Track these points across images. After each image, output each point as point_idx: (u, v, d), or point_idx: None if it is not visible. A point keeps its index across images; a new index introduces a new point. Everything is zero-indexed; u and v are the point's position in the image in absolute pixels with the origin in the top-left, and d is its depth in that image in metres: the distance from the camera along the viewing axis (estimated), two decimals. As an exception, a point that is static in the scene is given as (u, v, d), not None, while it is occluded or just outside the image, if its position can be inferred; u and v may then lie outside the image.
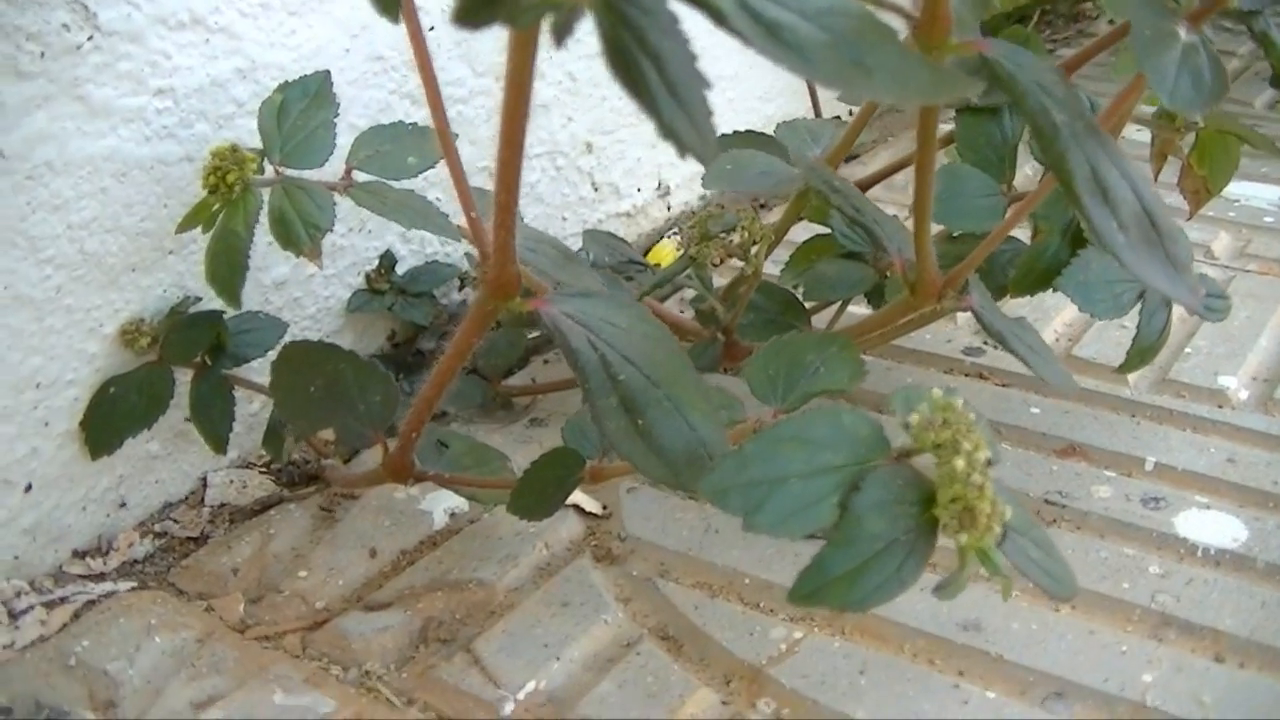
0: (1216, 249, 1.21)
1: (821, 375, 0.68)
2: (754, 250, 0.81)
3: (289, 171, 0.80)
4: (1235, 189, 1.29)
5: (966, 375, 0.99)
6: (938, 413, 0.58)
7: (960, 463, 0.55)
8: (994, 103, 0.90)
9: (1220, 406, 0.95)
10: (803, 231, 0.94)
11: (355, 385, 0.77)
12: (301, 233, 0.76)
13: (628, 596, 0.78)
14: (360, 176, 0.81)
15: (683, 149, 0.47)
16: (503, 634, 0.75)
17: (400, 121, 0.86)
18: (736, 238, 0.81)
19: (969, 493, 0.55)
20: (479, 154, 1.06)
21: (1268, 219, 1.28)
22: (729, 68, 1.32)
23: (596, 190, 1.19)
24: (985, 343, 1.03)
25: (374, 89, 0.97)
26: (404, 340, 1.05)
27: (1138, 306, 0.82)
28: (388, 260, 1.01)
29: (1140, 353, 0.81)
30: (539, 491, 0.73)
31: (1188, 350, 1.02)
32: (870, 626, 0.74)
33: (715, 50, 1.25)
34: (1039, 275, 0.81)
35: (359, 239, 0.99)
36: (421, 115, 1.01)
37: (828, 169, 0.75)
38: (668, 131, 0.47)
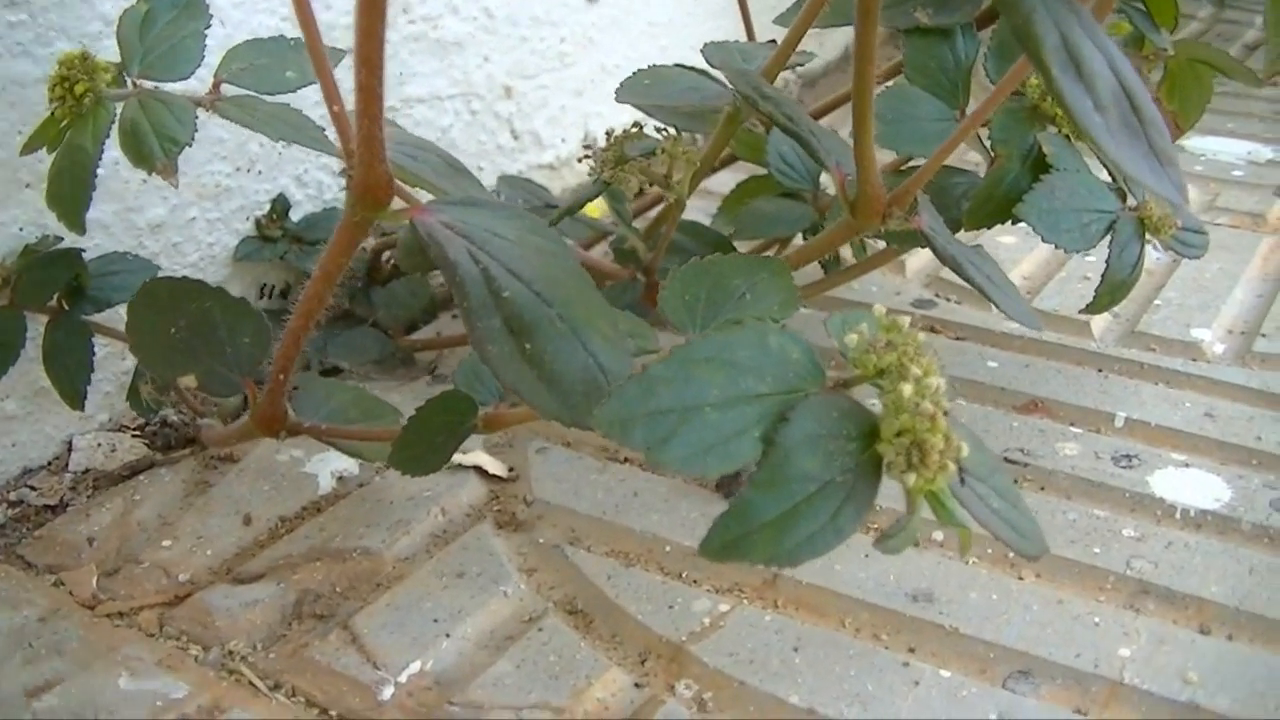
0: (1184, 202, 1.13)
1: (749, 302, 0.59)
2: (677, 178, 0.71)
3: (149, 84, 0.70)
4: (1201, 144, 1.21)
5: (918, 329, 0.90)
6: (882, 333, 0.49)
7: (908, 389, 0.46)
8: (946, 23, 0.81)
9: (1195, 360, 0.86)
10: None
11: (223, 326, 0.68)
12: (155, 146, 0.66)
13: (532, 566, 0.69)
14: (231, 91, 0.71)
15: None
16: (387, 608, 0.65)
17: (281, 36, 0.76)
18: (659, 164, 0.72)
19: (918, 424, 0.46)
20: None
21: (1236, 173, 1.20)
22: (663, 14, 1.23)
23: (516, 139, 1.09)
24: (937, 295, 0.94)
25: (263, 13, 0.87)
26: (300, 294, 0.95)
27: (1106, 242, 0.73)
28: (281, 204, 0.91)
29: (1111, 290, 0.72)
30: (426, 442, 0.63)
31: (1157, 302, 0.94)
32: (806, 598, 0.65)
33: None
34: (997, 204, 0.72)
35: (248, 180, 0.89)
36: (316, 43, 0.91)
37: (757, 76, 0.65)
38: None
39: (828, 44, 1.49)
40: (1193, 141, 1.27)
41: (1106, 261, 0.72)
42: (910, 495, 0.47)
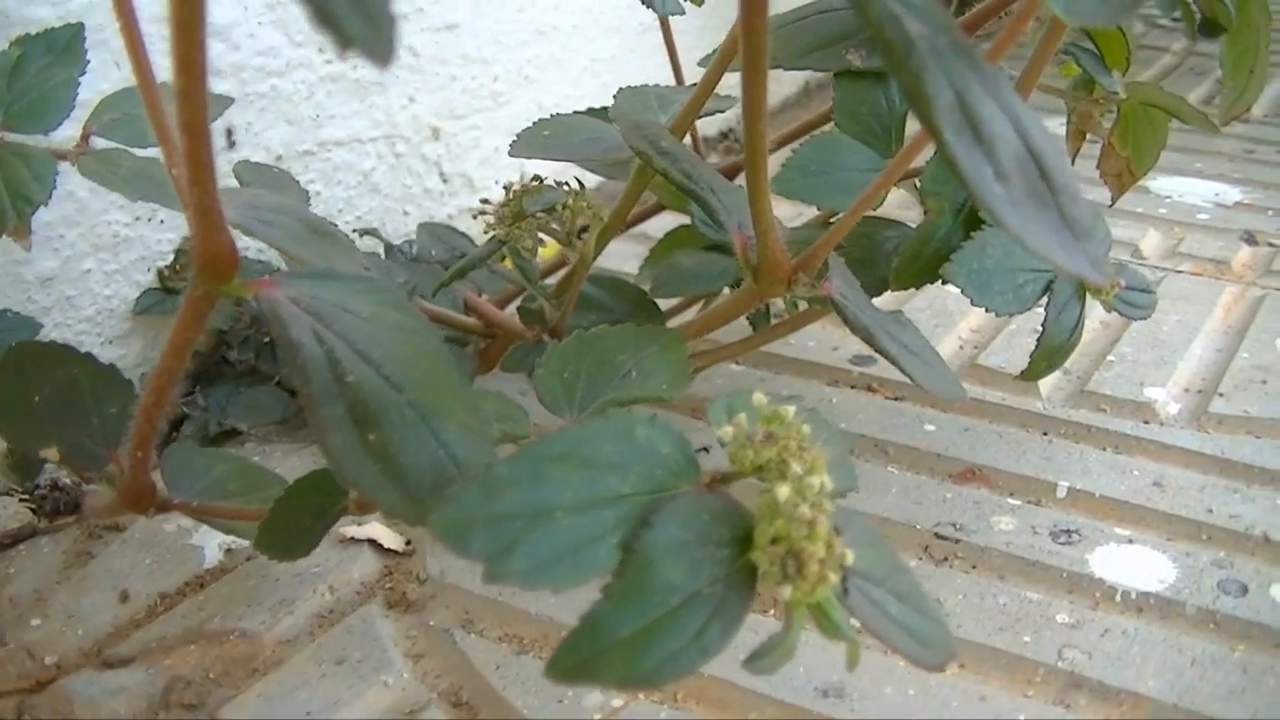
0: (1146, 248, 1.08)
1: (634, 380, 0.54)
2: (582, 235, 0.67)
3: (12, 136, 0.65)
4: (1167, 185, 1.17)
5: (854, 387, 0.85)
6: (762, 424, 0.44)
7: (784, 491, 0.41)
8: (879, 66, 0.76)
9: (1146, 422, 0.81)
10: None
11: (90, 394, 0.63)
12: (7, 205, 0.61)
13: (420, 652, 0.64)
14: (102, 143, 0.67)
15: (345, 40, 0.33)
16: (259, 699, 0.60)
17: (165, 83, 0.71)
18: (562, 220, 0.67)
19: (794, 530, 0.41)
20: (299, 134, 0.92)
21: (1201, 216, 1.15)
22: (606, 50, 1.18)
23: (446, 181, 1.04)
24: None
25: (161, 54, 0.82)
26: (204, 348, 0.90)
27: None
28: (184, 255, 0.86)
29: (1047, 355, 0.68)
30: (292, 524, 0.58)
31: (1110, 358, 0.89)
32: (708, 691, 0.60)
33: (591, 30, 1.10)
34: (925, 262, 0.67)
35: (149, 229, 0.84)
36: (222, 86, 0.87)
37: (656, 128, 0.60)
38: (321, 13, 0.33)
39: (785, 79, 1.44)
40: (1158, 182, 1.22)
41: (1043, 325, 0.68)
42: (788, 609, 0.42)
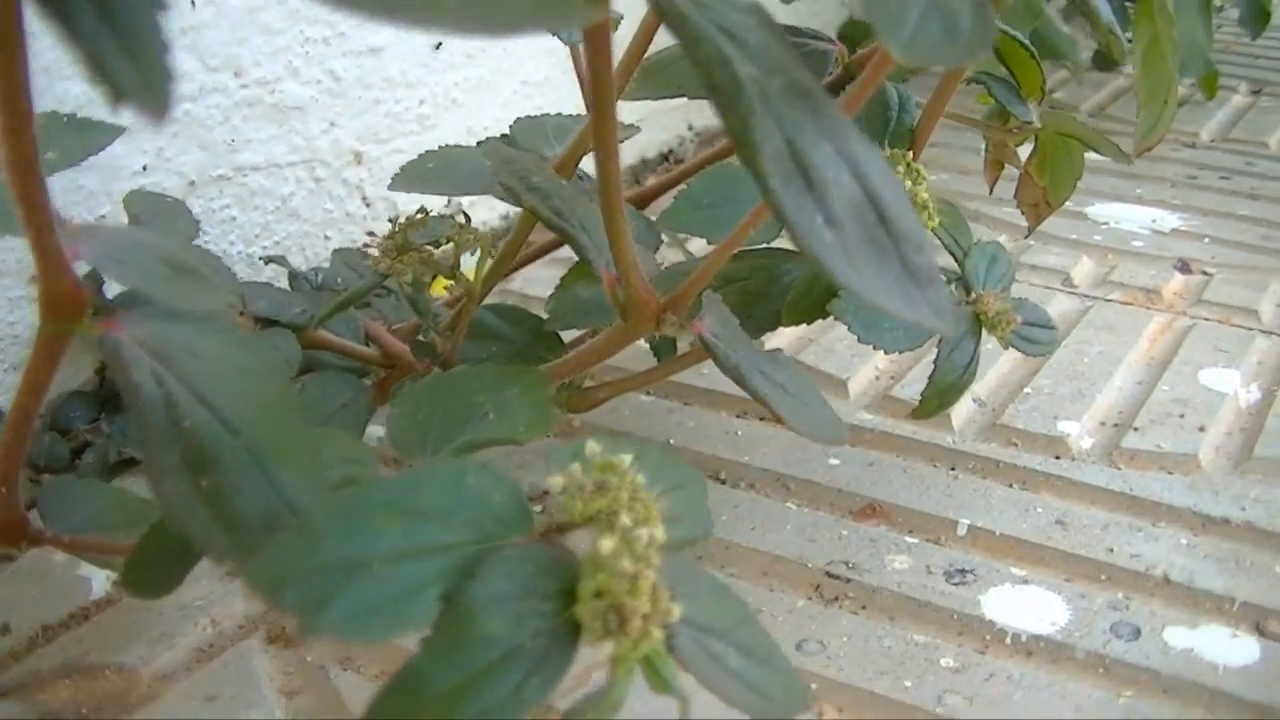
0: (1077, 275, 1.08)
1: (492, 423, 0.53)
2: (467, 267, 0.66)
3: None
4: (1104, 211, 1.16)
5: (763, 419, 0.84)
6: (595, 473, 0.44)
7: (608, 544, 0.41)
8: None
9: (1057, 457, 0.81)
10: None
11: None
12: (-125, 234, 0.60)
13: (294, 689, 0.63)
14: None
15: (118, 93, 0.32)
16: (126, 739, 0.59)
17: (54, 111, 0.70)
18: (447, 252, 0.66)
19: (616, 585, 0.40)
20: (214, 159, 0.91)
21: (1136, 243, 1.14)
22: (538, 72, 1.17)
23: (369, 205, 1.04)
24: (794, 380, 0.88)
25: (69, 80, 0.82)
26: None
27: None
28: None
29: (939, 394, 0.67)
30: (158, 561, 0.57)
31: (1027, 390, 0.88)
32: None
33: (522, 52, 1.09)
34: (817, 297, 0.67)
35: (56, 252, 0.83)
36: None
37: (529, 163, 0.59)
38: (93, 64, 0.32)
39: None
40: (1095, 208, 1.21)
41: (935, 362, 0.67)
42: (613, 664, 0.41)
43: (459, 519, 0.42)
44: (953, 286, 0.70)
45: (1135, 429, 0.83)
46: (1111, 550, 0.71)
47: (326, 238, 1.01)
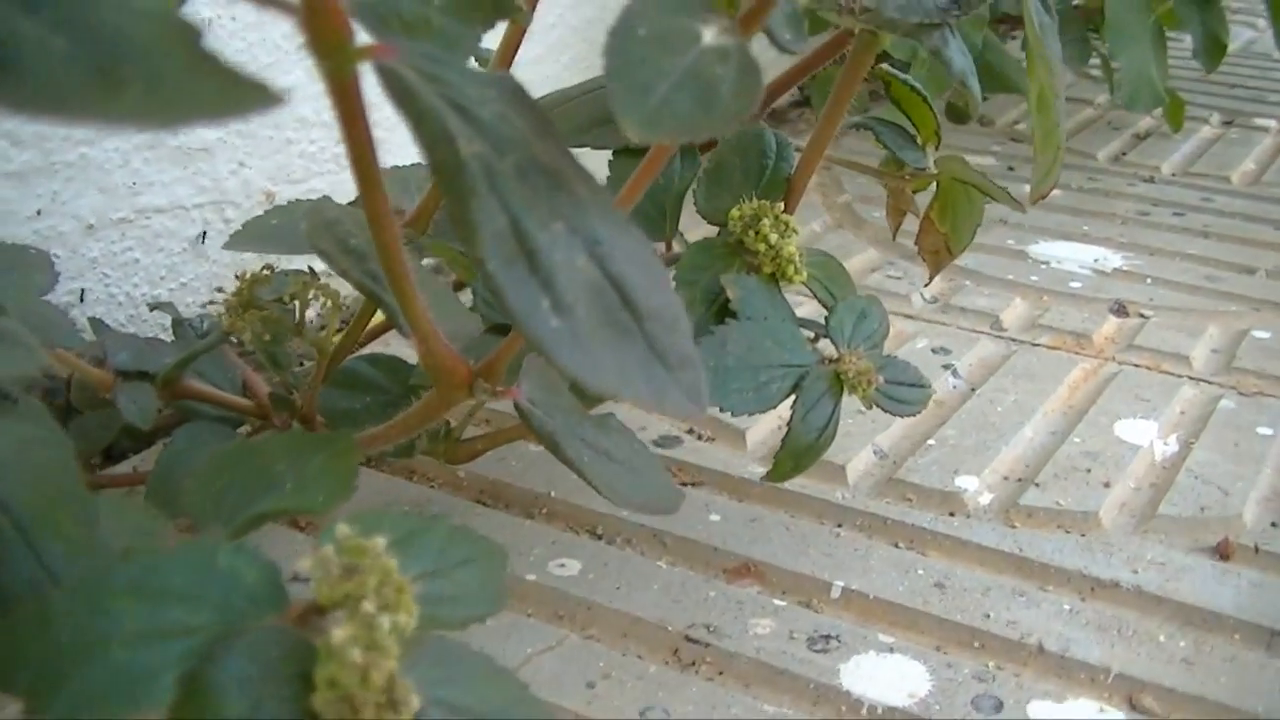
0: (1007, 318, 1.05)
1: (289, 493, 0.51)
2: (313, 326, 0.64)
3: None
4: (1047, 250, 1.14)
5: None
6: (344, 556, 0.42)
7: (340, 634, 0.39)
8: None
9: (952, 514, 0.78)
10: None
11: None
12: None
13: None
14: None
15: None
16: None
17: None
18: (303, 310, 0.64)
19: (346, 675, 0.39)
20: (113, 202, 0.90)
21: (1074, 284, 1.11)
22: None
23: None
24: (690, 430, 0.86)
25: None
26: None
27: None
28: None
29: (793, 456, 0.64)
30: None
31: (931, 442, 0.85)
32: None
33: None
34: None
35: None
36: (24, 157, 0.85)
37: (350, 224, 0.57)
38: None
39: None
40: (1039, 247, 1.19)
41: (789, 424, 0.64)
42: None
43: (206, 600, 0.40)
44: (816, 344, 0.68)
45: (1036, 484, 0.81)
46: (988, 616, 0.69)
47: (238, 279, 0.99)
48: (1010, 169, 1.40)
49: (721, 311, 0.66)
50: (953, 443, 0.85)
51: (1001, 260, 1.15)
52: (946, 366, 0.96)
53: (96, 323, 0.88)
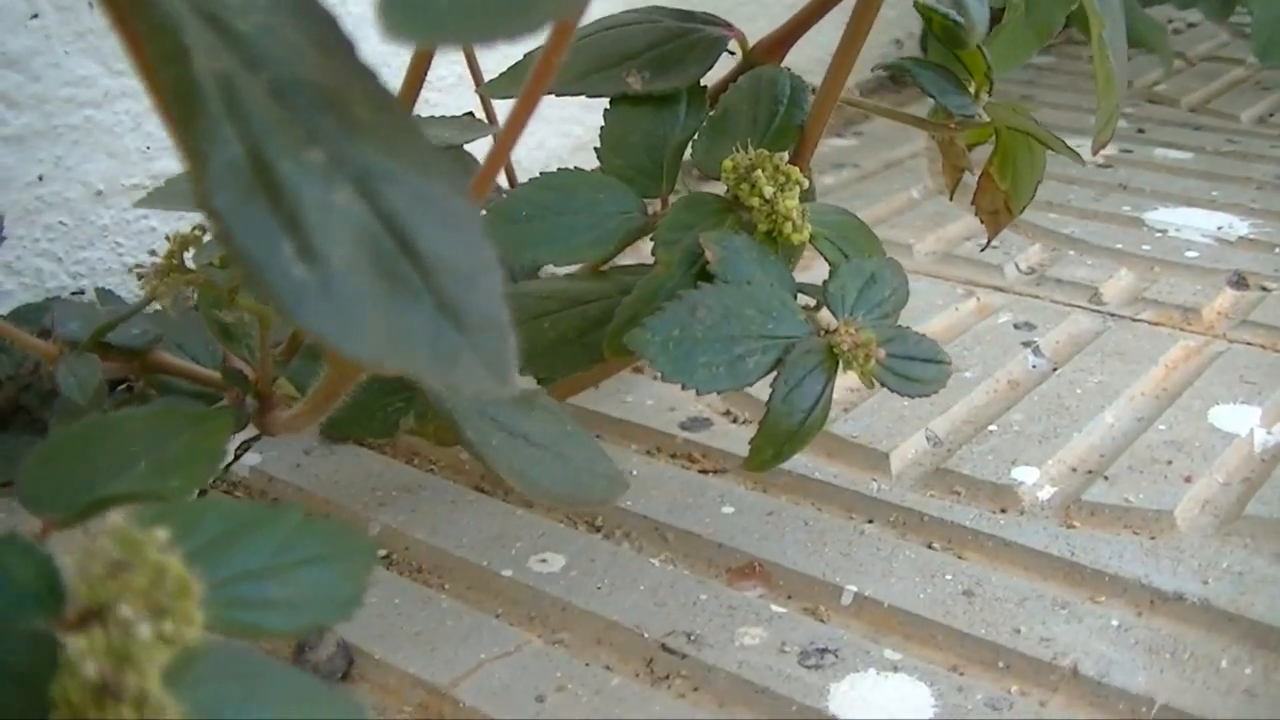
0: (1108, 291, 0.94)
1: (140, 475, 0.45)
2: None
3: None
4: (1167, 217, 1.02)
5: (674, 456, 0.74)
6: (118, 551, 0.36)
7: (83, 642, 0.33)
8: (663, 89, 0.66)
9: (1004, 510, 0.68)
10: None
11: None
12: None
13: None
14: None
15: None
16: None
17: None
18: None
19: (81, 692, 0.33)
20: (125, 168, 0.85)
21: (1190, 254, 0.99)
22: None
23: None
24: (727, 413, 0.78)
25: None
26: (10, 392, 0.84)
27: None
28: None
29: (773, 442, 0.56)
30: None
31: (993, 427, 0.75)
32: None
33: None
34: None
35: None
36: (21, 120, 0.80)
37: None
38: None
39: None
40: (1158, 214, 1.06)
41: (768, 404, 0.56)
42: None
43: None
44: (818, 312, 0.59)
45: (1105, 478, 0.70)
46: (1019, 631, 0.59)
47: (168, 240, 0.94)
48: (1140, 131, 1.27)
49: (702, 276, 0.58)
50: (1017, 429, 0.75)
51: (1113, 228, 1.04)
52: (1028, 344, 0.85)
53: (105, 293, 0.84)
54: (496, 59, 0.65)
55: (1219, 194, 1.10)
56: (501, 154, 0.43)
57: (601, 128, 0.65)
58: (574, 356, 0.61)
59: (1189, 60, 1.52)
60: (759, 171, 0.59)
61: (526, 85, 0.38)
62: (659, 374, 0.54)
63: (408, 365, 0.32)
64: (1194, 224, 1.04)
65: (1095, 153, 0.68)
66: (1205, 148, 1.22)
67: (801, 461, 0.72)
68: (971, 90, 0.70)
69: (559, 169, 0.63)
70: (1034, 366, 0.83)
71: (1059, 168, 1.13)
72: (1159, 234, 1.03)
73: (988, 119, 0.69)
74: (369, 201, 0.33)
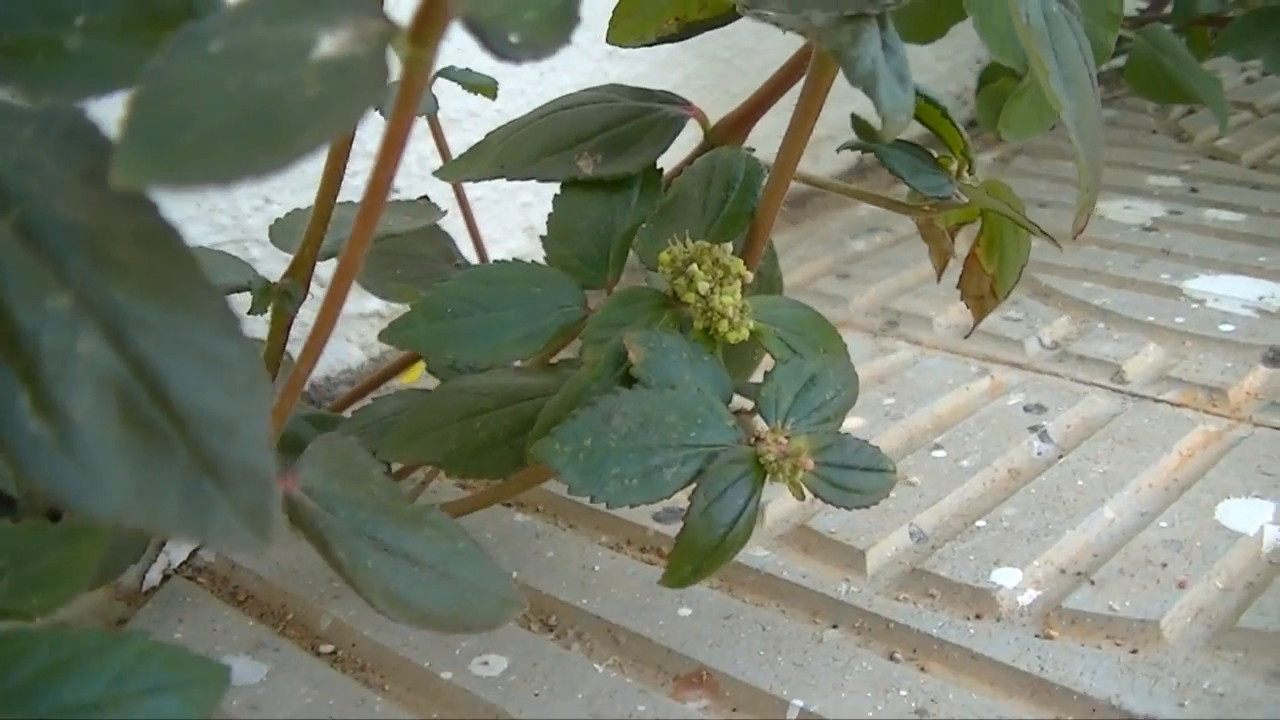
0: (1131, 368, 0.89)
1: (1, 591, 0.44)
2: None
3: None
4: (1207, 285, 0.97)
5: (643, 550, 0.71)
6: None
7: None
8: (615, 173, 0.63)
9: (977, 616, 0.65)
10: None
11: None
12: None
13: None
14: None
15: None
16: None
17: None
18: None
19: None
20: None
21: (1225, 326, 0.94)
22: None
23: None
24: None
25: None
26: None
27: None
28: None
29: (690, 558, 0.52)
30: None
31: (981, 523, 0.72)
32: None
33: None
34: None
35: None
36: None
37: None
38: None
39: (830, 158, 1.29)
40: (1198, 281, 1.01)
41: (685, 518, 0.53)
42: None
43: None
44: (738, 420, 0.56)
45: (1092, 582, 0.66)
46: (972, 755, 0.56)
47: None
48: (1193, 190, 1.22)
49: (628, 379, 0.55)
50: (1007, 524, 0.71)
51: (1147, 298, 0.99)
52: (1035, 428, 0.81)
53: None
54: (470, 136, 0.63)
55: (1266, 259, 1.04)
56: (310, 358, 0.43)
57: (549, 215, 0.63)
58: (503, 460, 0.58)
59: (1258, 111, 1.45)
60: (695, 265, 0.56)
61: (331, 283, 0.37)
62: (569, 487, 0.51)
63: (153, 522, 0.30)
64: (1235, 293, 0.99)
65: (1075, 236, 0.64)
66: (1261, 209, 1.16)
67: (772, 559, 0.69)
68: (953, 168, 0.67)
69: (495, 260, 0.60)
70: (1039, 454, 0.79)
71: (1101, 232, 1.08)
72: (1195, 304, 0.98)
73: (965, 200, 0.66)
74: (118, 349, 0.31)
